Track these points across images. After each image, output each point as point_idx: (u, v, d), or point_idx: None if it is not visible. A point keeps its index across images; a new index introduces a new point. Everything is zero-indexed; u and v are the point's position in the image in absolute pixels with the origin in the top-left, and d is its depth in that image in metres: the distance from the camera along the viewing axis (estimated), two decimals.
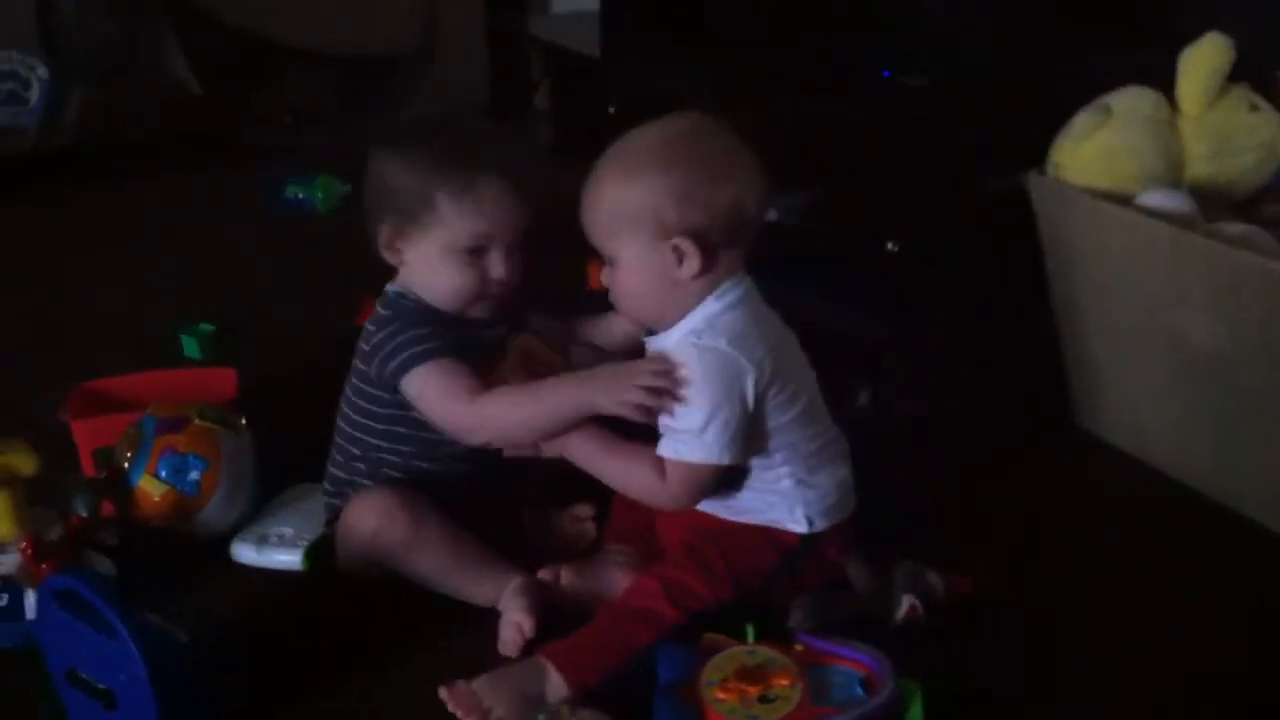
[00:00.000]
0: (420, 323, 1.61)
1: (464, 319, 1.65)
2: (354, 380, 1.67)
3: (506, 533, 1.68)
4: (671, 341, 1.51)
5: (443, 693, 1.40)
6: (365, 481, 1.66)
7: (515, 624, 1.52)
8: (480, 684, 1.40)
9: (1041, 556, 1.72)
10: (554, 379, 1.54)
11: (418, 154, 1.62)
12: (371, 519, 1.59)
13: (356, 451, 1.67)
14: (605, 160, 1.52)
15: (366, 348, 1.64)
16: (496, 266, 1.61)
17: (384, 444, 1.65)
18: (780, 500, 1.54)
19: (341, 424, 1.69)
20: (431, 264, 1.62)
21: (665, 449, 1.50)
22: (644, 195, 1.47)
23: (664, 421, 1.50)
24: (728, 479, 1.53)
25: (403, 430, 1.64)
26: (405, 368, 1.58)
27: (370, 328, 1.65)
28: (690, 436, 1.47)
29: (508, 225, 1.60)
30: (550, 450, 1.56)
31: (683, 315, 1.51)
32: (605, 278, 1.56)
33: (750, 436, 1.49)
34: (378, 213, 1.64)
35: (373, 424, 1.65)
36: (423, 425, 1.62)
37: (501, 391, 1.56)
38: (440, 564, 1.58)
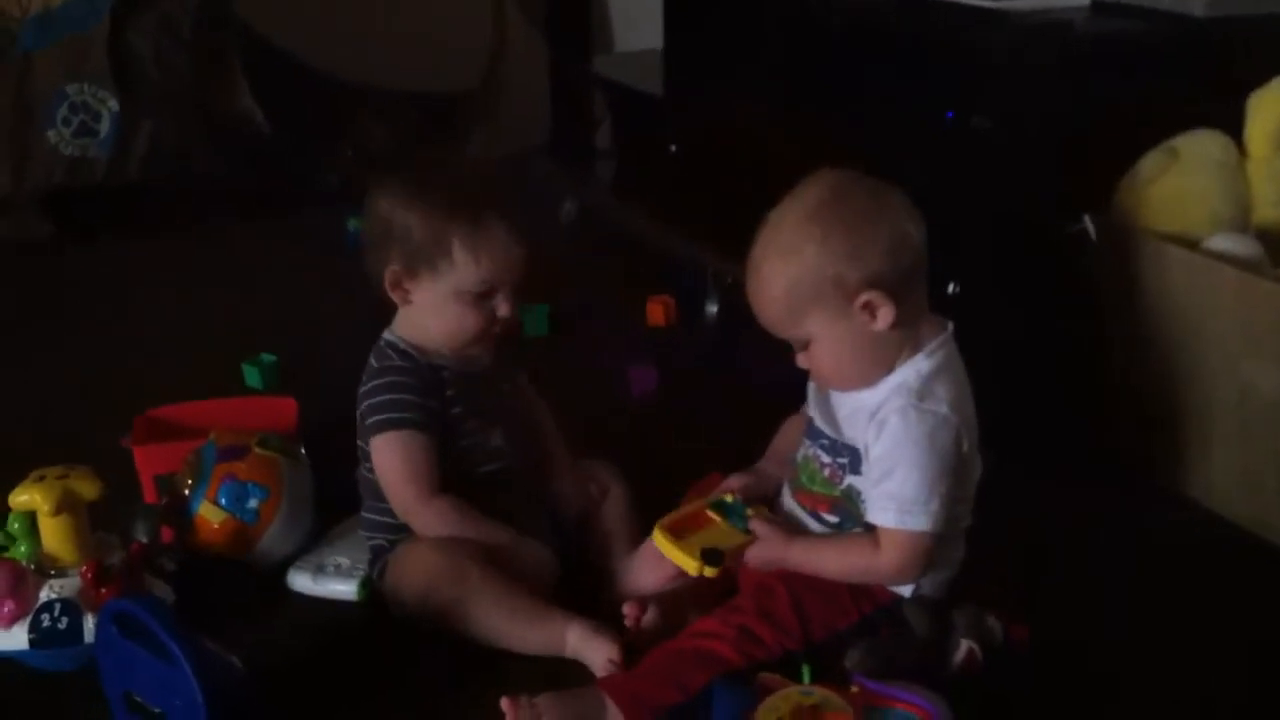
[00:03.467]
0: (405, 384, 1.63)
1: (464, 370, 1.67)
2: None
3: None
4: (878, 397, 1.48)
5: (504, 702, 1.40)
6: (392, 520, 1.66)
7: (606, 664, 1.50)
8: (543, 701, 1.41)
9: (1086, 602, 1.70)
10: (486, 522, 1.62)
11: (429, 197, 1.62)
12: (416, 581, 1.60)
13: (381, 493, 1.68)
14: (760, 253, 1.49)
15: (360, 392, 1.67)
16: (503, 307, 1.64)
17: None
18: None
19: (363, 470, 1.70)
20: (439, 306, 1.64)
21: (887, 518, 1.46)
22: (816, 267, 1.44)
23: (880, 489, 1.47)
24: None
25: None
26: (377, 429, 1.63)
27: (364, 376, 1.67)
28: (915, 505, 1.45)
29: (516, 268, 1.63)
30: (762, 566, 1.54)
31: (889, 369, 1.49)
32: (802, 362, 1.53)
33: None
34: (384, 254, 1.65)
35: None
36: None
37: (452, 503, 1.62)
38: (493, 619, 1.56)
